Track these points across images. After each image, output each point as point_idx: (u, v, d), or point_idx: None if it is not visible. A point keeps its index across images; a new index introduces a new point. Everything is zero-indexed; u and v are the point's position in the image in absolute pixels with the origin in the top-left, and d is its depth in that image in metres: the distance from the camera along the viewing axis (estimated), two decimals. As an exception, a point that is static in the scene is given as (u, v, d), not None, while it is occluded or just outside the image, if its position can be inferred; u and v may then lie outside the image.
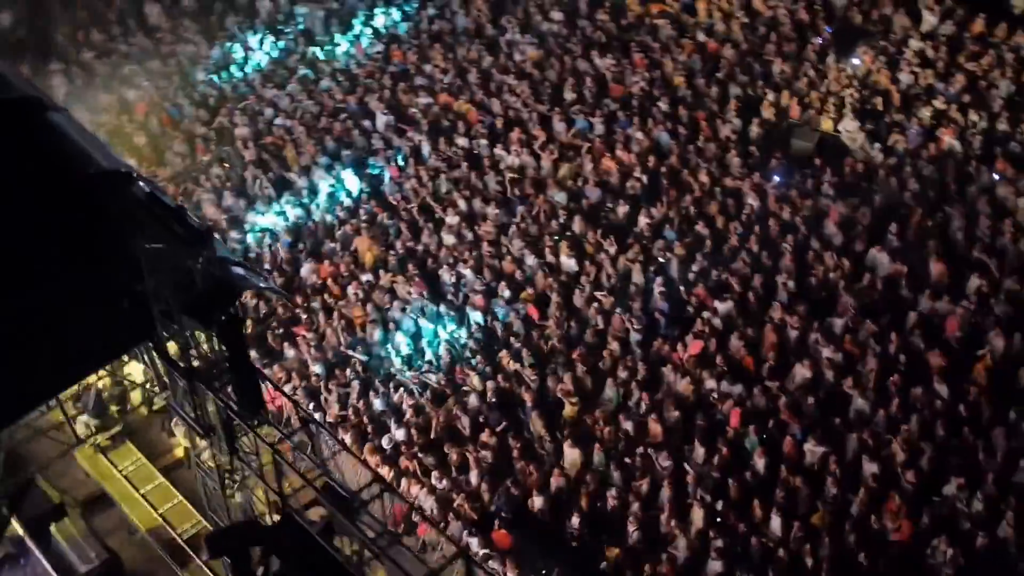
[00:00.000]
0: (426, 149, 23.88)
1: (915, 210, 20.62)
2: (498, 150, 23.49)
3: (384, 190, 23.14)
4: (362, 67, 26.82)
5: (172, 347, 13.04)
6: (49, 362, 10.93)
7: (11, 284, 10.57)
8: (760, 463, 16.58)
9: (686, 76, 24.98)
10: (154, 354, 13.53)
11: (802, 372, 17.86)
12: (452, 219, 21.86)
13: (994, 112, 22.70)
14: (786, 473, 16.34)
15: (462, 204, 22.14)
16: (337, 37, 28.04)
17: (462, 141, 23.91)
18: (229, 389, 12.55)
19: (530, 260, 20.63)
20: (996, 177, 21.24)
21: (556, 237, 21.09)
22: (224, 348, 12.11)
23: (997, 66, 23.89)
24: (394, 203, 22.71)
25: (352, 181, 23.21)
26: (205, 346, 12.56)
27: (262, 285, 15.01)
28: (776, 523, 15.71)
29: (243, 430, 12.97)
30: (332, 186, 23.08)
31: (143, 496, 16.64)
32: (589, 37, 26.78)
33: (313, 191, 23.10)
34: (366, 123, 24.81)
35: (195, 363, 12.63)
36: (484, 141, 23.75)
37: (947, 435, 16.52)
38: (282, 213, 22.56)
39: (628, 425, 17.47)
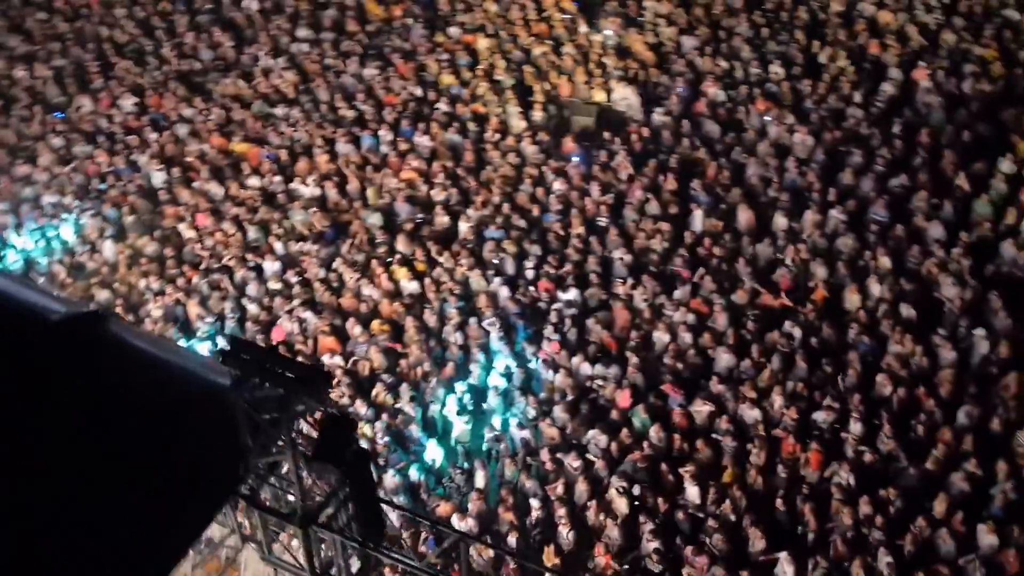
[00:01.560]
0: (219, 196, 22.80)
1: (709, 164, 21.99)
2: (294, 184, 22.78)
3: (187, 250, 21.90)
4: (115, 122, 25.06)
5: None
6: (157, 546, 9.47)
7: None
8: (657, 437, 17.32)
9: (453, 72, 25.17)
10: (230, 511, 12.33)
11: (662, 340, 18.79)
12: (272, 265, 21.09)
13: (743, 58, 24.44)
14: (683, 441, 17.22)
15: (279, 247, 21.39)
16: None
17: (254, 181, 22.98)
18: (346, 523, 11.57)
19: (367, 290, 20.32)
20: (766, 119, 22.96)
21: (388, 260, 20.83)
22: (348, 482, 11.01)
23: (730, 14, 25.75)
24: (202, 262, 21.57)
25: (152, 248, 21.81)
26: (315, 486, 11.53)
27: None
28: (692, 491, 16.53)
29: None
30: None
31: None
32: (343, 50, 26.30)
33: (111, 268, 21.52)
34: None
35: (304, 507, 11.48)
36: (277, 177, 22.94)
37: (810, 369, 17.91)
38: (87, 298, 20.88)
39: (524, 434, 17.75)
